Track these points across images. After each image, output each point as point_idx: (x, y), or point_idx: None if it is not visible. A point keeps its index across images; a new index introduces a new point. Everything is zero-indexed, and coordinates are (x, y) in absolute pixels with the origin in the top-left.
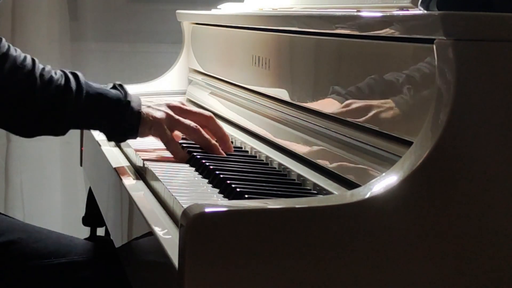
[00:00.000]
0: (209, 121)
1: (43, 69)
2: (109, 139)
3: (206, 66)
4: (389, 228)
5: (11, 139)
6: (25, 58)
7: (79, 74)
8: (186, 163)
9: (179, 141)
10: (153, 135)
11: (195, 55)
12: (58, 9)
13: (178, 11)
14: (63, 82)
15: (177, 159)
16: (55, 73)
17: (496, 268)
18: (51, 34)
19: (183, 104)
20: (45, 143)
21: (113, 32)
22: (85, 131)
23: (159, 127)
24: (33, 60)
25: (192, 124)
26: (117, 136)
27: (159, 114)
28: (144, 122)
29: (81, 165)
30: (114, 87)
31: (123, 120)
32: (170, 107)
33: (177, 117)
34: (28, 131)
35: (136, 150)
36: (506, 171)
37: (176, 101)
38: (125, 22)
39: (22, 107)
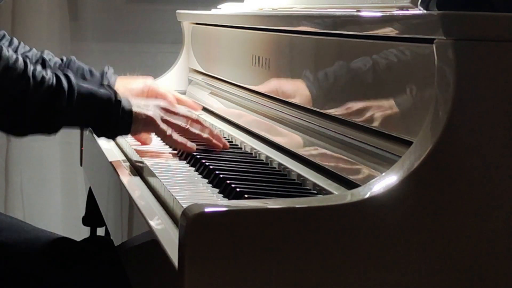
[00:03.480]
0: (195, 124)
1: (35, 69)
2: (98, 135)
3: (206, 66)
4: (389, 228)
5: (11, 139)
6: (17, 59)
7: (70, 74)
8: (187, 163)
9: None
10: (147, 132)
11: (195, 55)
12: (58, 9)
13: (178, 11)
14: (54, 82)
15: (184, 149)
16: (46, 74)
17: (497, 267)
18: (51, 34)
19: (171, 104)
20: (45, 143)
21: (113, 32)
22: (85, 131)
23: (153, 125)
24: (25, 61)
25: (182, 123)
26: (108, 134)
27: (150, 113)
28: (137, 120)
29: (81, 165)
30: (102, 84)
31: (115, 119)
32: (159, 107)
33: (166, 116)
34: (21, 131)
35: (136, 150)
36: (506, 171)
37: (162, 100)
38: (125, 22)
39: (15, 107)
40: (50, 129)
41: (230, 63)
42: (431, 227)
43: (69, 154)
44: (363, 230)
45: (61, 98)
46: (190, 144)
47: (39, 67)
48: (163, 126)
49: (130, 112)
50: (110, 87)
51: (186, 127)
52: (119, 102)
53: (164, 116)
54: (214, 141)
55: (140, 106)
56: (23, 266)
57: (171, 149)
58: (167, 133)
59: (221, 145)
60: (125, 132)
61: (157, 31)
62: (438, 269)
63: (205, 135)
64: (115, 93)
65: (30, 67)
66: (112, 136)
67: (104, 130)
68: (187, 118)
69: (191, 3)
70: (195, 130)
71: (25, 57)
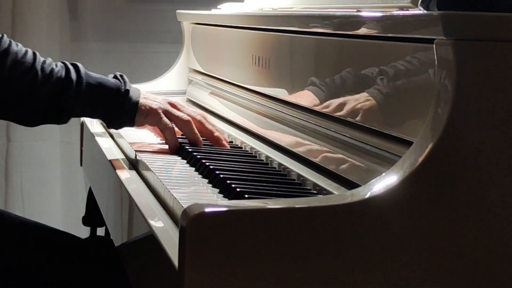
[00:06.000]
0: (199, 122)
1: (44, 62)
2: (108, 126)
3: (206, 66)
4: (389, 228)
5: (11, 139)
6: (26, 52)
7: (79, 65)
8: (187, 163)
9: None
10: (149, 124)
11: (195, 55)
12: (58, 9)
13: (178, 11)
14: (63, 74)
15: (170, 147)
16: (56, 65)
17: (496, 268)
18: (51, 34)
19: (178, 103)
20: (45, 143)
21: (113, 32)
22: (85, 131)
23: (155, 115)
24: (34, 54)
25: (185, 116)
26: (115, 124)
27: (154, 105)
28: (140, 111)
29: (81, 165)
30: (114, 77)
31: (121, 109)
32: (166, 100)
33: (171, 108)
34: (31, 122)
35: (136, 150)
36: (506, 171)
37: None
38: (125, 22)
39: (25, 100)
40: (60, 119)
41: (230, 63)
42: (431, 227)
43: (69, 154)
44: (363, 230)
45: (69, 89)
46: (176, 146)
47: (48, 59)
48: (165, 119)
49: (136, 103)
50: (122, 76)
51: (187, 119)
52: (127, 91)
53: (168, 109)
54: (216, 134)
55: (148, 98)
56: (23, 259)
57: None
58: (168, 126)
59: (218, 144)
60: (130, 123)
61: (157, 31)
62: (439, 269)
63: (198, 135)
64: (125, 82)
65: (40, 59)
66: (118, 126)
67: (110, 120)
68: (191, 116)
69: (191, 3)
70: (194, 128)
71: (34, 51)
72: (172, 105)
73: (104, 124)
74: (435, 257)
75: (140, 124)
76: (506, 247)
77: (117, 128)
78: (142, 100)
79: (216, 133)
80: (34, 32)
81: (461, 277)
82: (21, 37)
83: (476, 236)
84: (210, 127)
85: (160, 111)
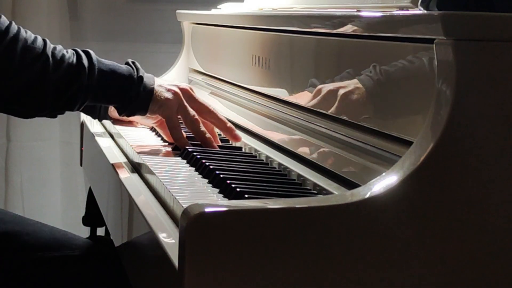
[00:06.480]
0: (211, 114)
1: (55, 48)
2: (120, 112)
3: (206, 66)
4: (389, 228)
5: (11, 139)
6: (35, 38)
7: (91, 52)
8: (187, 163)
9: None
10: (161, 115)
11: (195, 55)
12: (58, 9)
13: (178, 11)
14: (75, 59)
15: (179, 145)
16: (67, 52)
17: (496, 268)
18: (51, 34)
19: (192, 90)
20: (45, 143)
21: (113, 32)
22: (85, 131)
23: (168, 109)
24: (44, 40)
25: (196, 115)
26: (127, 111)
27: (170, 95)
28: (155, 100)
29: (81, 165)
30: (127, 63)
31: (135, 96)
32: (181, 89)
33: (185, 103)
34: (42, 109)
35: (136, 151)
36: (506, 171)
37: (186, 84)
38: (125, 22)
39: (36, 86)
40: (72, 106)
41: (230, 63)
42: (431, 227)
43: (69, 154)
44: (363, 230)
45: (81, 75)
46: (185, 145)
47: (59, 46)
48: (175, 117)
49: (151, 90)
50: (134, 63)
51: (196, 120)
52: (141, 78)
53: (183, 101)
54: (213, 144)
55: (163, 85)
56: (25, 258)
57: (171, 148)
58: (176, 126)
59: (217, 147)
60: (143, 110)
61: (157, 31)
62: (438, 269)
63: (207, 135)
64: (138, 69)
65: (50, 46)
66: (130, 113)
67: (123, 107)
68: (204, 107)
69: (191, 3)
70: (201, 127)
71: (44, 38)
72: (186, 95)
73: (105, 124)
74: (435, 257)
75: (153, 113)
76: (507, 247)
77: (129, 115)
78: (157, 88)
79: (229, 124)
80: (34, 32)
81: (461, 277)
82: None
83: (476, 236)
84: (222, 118)
85: (173, 104)
